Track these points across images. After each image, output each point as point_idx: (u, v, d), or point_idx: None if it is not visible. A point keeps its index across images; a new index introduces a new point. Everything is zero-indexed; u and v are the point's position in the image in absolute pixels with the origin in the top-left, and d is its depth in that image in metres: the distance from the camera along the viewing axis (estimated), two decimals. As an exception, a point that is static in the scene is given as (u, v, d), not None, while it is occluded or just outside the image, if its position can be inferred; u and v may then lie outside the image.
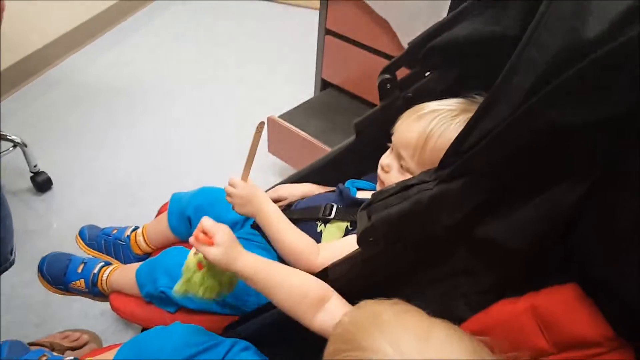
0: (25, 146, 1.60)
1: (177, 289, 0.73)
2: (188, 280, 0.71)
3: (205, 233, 0.68)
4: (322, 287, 0.66)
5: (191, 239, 0.68)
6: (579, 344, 0.51)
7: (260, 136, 0.82)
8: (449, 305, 0.63)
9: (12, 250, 0.89)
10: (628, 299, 0.48)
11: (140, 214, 1.62)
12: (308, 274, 0.69)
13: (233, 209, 0.85)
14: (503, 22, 0.73)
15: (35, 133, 1.88)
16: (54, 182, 1.69)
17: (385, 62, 0.88)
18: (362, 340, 0.42)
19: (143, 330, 0.92)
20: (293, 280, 0.66)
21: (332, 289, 0.67)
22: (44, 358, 0.77)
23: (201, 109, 2.10)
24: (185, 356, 0.70)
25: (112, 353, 0.74)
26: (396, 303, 0.48)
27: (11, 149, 1.64)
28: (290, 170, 1.73)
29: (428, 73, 0.89)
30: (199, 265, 0.71)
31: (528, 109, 0.46)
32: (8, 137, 1.62)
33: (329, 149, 1.48)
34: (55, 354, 0.79)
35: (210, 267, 0.70)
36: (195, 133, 1.98)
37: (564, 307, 0.53)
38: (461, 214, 0.56)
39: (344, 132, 1.57)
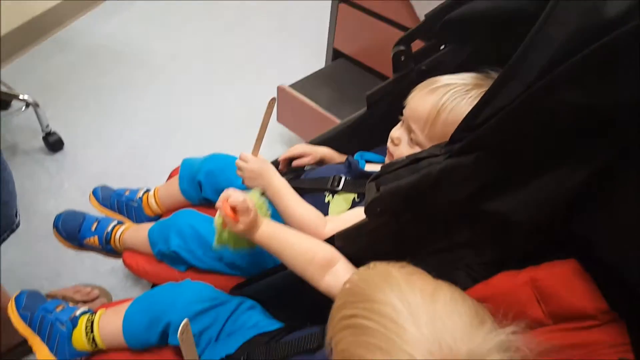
0: (38, 106, 1.62)
1: (215, 245, 0.77)
2: (220, 235, 0.76)
3: (233, 209, 0.70)
4: (329, 251, 0.69)
5: (218, 204, 0.71)
6: (574, 316, 0.53)
7: (271, 112, 0.84)
8: (450, 274, 0.64)
9: (16, 212, 0.91)
10: (630, 282, 0.50)
11: (149, 178, 1.65)
12: (317, 239, 0.71)
13: (243, 182, 0.87)
14: (522, -2, 0.72)
15: (47, 93, 1.89)
16: (65, 142, 1.71)
17: (399, 34, 0.88)
18: (371, 293, 0.44)
19: (153, 287, 0.95)
20: (303, 244, 0.70)
21: (340, 254, 0.69)
22: (60, 307, 0.81)
23: (212, 76, 2.10)
24: (195, 311, 0.74)
25: (125, 306, 0.78)
26: (404, 266, 0.50)
27: (24, 108, 1.66)
28: (299, 141, 1.74)
29: (443, 47, 0.89)
30: (224, 224, 0.74)
31: (541, 88, 0.47)
32: (20, 96, 1.63)
33: (338, 121, 1.48)
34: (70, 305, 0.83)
35: None
36: (206, 101, 1.99)
37: (562, 280, 0.55)
38: (470, 188, 0.58)
39: (355, 104, 1.57)
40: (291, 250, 0.70)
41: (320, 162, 1.01)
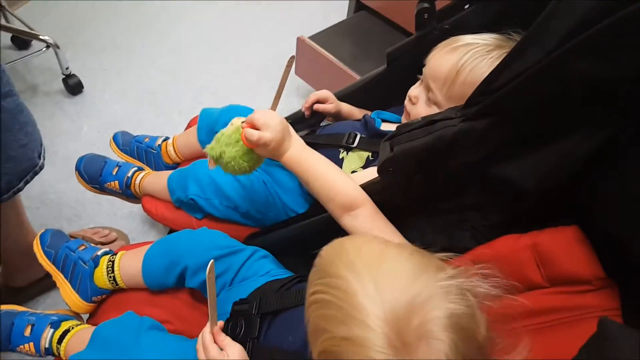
0: (58, 47, 1.62)
1: (212, 148, 0.74)
2: (228, 138, 0.72)
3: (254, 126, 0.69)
4: (353, 195, 0.69)
5: (235, 121, 0.72)
6: (570, 280, 0.55)
7: (290, 70, 0.84)
8: (455, 234, 0.67)
9: (40, 154, 0.91)
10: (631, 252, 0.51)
11: (168, 123, 1.67)
12: (349, 179, 0.71)
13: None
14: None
15: (66, 34, 1.89)
16: (85, 85, 1.73)
17: None
18: (327, 269, 0.48)
19: (170, 232, 0.99)
20: (328, 179, 0.70)
21: (368, 200, 0.69)
22: (82, 247, 0.85)
23: (232, 25, 2.08)
24: (211, 257, 0.77)
25: (145, 248, 0.82)
26: (360, 236, 0.52)
27: (44, 49, 1.67)
28: (316, 94, 1.73)
29: (467, 6, 0.87)
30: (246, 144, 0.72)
31: (559, 56, 0.47)
32: (41, 37, 1.63)
33: (357, 76, 1.48)
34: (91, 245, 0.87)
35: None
36: (226, 48, 1.97)
37: (562, 245, 0.57)
38: (482, 152, 0.59)
39: (375, 59, 1.55)
40: (315, 181, 0.70)
41: (339, 116, 1.01)
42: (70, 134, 1.62)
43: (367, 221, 0.67)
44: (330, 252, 0.51)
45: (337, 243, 0.52)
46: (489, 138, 0.57)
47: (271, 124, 0.69)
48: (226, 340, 0.65)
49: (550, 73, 0.49)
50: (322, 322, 0.45)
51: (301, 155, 0.70)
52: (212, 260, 0.59)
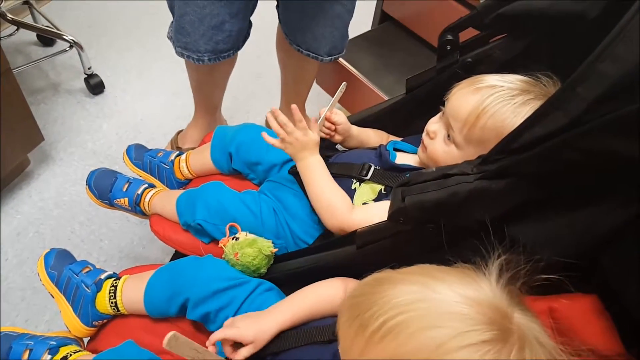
0: (81, 48, 1.63)
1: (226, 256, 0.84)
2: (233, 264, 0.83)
3: None
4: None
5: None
6: (588, 352, 0.52)
7: (340, 95, 0.90)
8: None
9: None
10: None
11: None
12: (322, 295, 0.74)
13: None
14: (584, 0, 0.66)
15: (90, 32, 1.90)
16: (106, 85, 1.73)
17: (453, 6, 0.82)
18: (382, 297, 0.44)
19: (176, 252, 0.99)
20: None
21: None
22: (86, 270, 0.83)
23: (260, 28, 2.05)
24: (215, 289, 0.76)
25: (148, 275, 0.81)
26: (384, 270, 0.50)
27: (68, 49, 1.68)
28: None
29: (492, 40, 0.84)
30: (235, 254, 0.81)
31: (588, 130, 0.44)
32: (65, 36, 1.64)
33: (376, 90, 1.45)
34: (97, 267, 0.86)
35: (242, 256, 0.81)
36: (249, 54, 1.95)
37: (581, 316, 0.54)
38: (496, 212, 0.56)
39: (395, 73, 1.52)
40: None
41: (349, 137, 0.97)
42: (89, 134, 1.63)
43: None
44: (368, 288, 0.47)
45: (369, 280, 0.49)
46: (506, 199, 0.54)
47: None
48: None
49: (576, 146, 0.46)
50: (411, 343, 0.41)
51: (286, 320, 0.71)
52: (171, 332, 0.57)
